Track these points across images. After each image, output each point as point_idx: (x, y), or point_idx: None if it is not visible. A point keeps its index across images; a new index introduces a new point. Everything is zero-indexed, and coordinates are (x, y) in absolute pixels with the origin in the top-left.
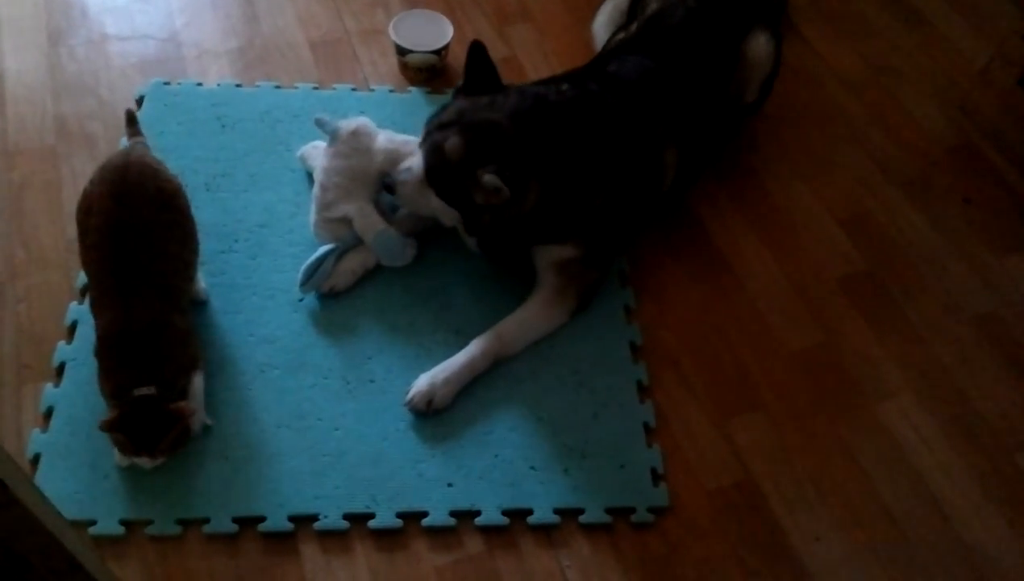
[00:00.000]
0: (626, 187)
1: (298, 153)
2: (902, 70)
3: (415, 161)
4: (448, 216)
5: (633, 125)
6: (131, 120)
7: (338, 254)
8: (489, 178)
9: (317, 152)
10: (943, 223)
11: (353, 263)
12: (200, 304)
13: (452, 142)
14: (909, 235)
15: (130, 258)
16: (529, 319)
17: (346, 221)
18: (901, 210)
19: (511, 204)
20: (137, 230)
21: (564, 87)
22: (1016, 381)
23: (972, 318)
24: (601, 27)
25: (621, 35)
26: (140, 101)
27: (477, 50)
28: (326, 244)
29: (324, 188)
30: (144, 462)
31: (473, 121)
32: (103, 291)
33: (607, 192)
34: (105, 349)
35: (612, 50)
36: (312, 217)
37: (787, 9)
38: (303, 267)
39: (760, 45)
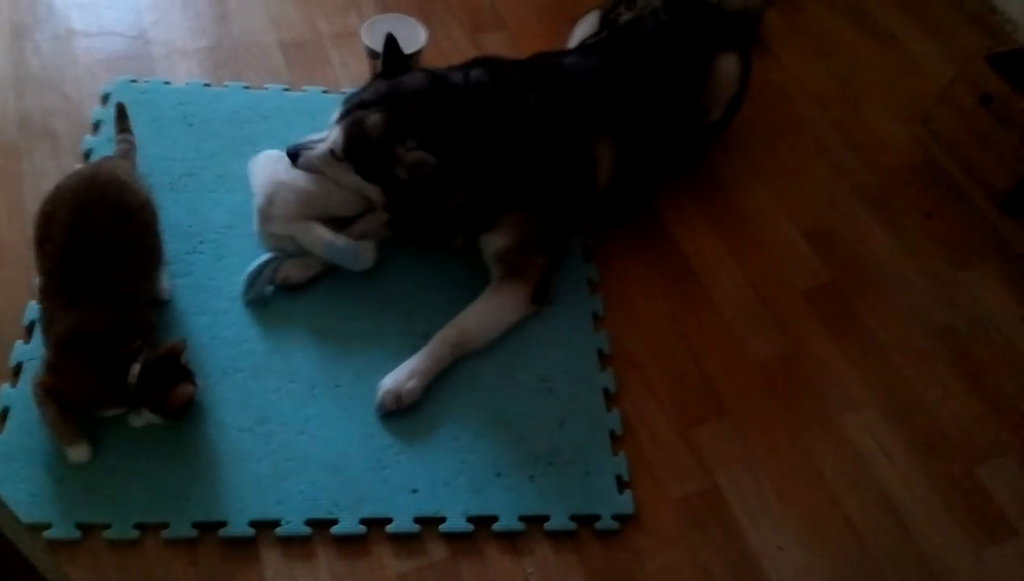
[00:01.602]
0: (544, 175)
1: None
2: (868, 87)
3: (330, 135)
4: (360, 196)
5: (553, 114)
6: (121, 114)
7: (278, 263)
8: (411, 153)
9: (268, 160)
10: (905, 237)
11: (310, 258)
12: (163, 304)
13: (374, 119)
14: (872, 248)
15: (85, 271)
16: (485, 309)
17: (290, 238)
18: (865, 223)
19: (429, 179)
20: (95, 244)
21: (476, 72)
22: (974, 394)
23: (932, 331)
24: (575, 44)
25: (591, 40)
26: (105, 98)
27: (390, 42)
28: (269, 253)
29: (269, 201)
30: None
31: (393, 99)
32: (56, 302)
33: (521, 178)
34: (62, 355)
35: (577, 48)
36: (255, 226)
37: (759, 27)
38: (244, 276)
39: (729, 65)
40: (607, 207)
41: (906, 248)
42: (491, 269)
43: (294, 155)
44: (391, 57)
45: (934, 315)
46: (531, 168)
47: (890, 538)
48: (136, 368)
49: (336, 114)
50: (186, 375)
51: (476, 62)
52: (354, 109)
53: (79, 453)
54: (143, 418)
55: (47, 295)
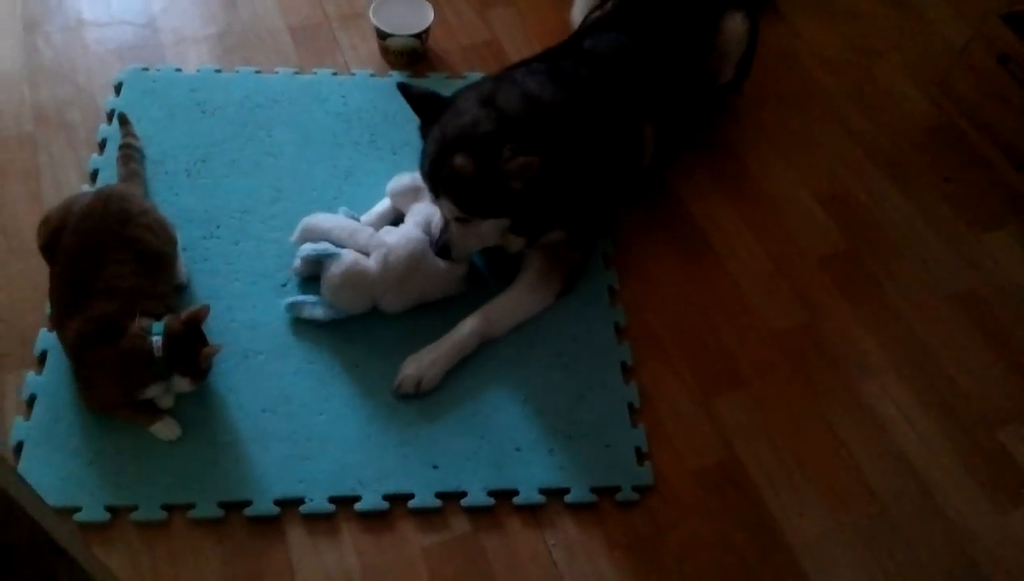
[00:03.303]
0: (608, 163)
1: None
2: (882, 50)
3: (436, 213)
4: (498, 232)
5: (610, 99)
6: (123, 121)
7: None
8: (515, 159)
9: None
10: (923, 201)
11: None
12: (181, 289)
13: (459, 161)
14: (889, 214)
15: (90, 273)
16: (516, 300)
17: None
18: (881, 189)
19: (541, 177)
20: (99, 247)
21: (533, 66)
22: (995, 358)
23: (952, 296)
24: (578, 10)
25: (597, 14)
26: (118, 88)
27: (403, 89)
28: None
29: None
30: (183, 386)
31: (459, 134)
32: (63, 309)
33: (591, 169)
34: (79, 362)
35: (587, 27)
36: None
37: None
38: (305, 254)
39: (736, 24)
40: (643, 186)
41: (924, 213)
42: (529, 259)
43: (443, 251)
44: (416, 102)
45: (954, 280)
46: (598, 156)
47: (912, 503)
48: (158, 339)
49: (429, 193)
50: (204, 339)
51: (524, 61)
52: (434, 172)
53: (165, 431)
54: (174, 388)
55: (55, 301)
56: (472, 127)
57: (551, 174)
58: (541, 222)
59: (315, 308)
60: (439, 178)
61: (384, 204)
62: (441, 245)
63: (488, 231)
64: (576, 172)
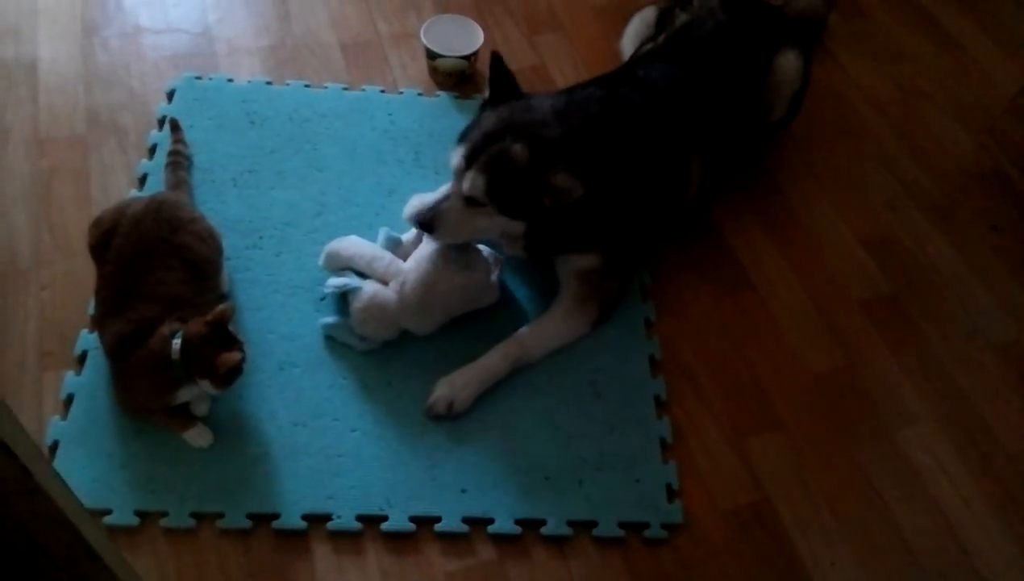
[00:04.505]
0: (654, 191)
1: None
2: (932, 93)
3: (450, 189)
4: (496, 232)
5: (662, 130)
6: (174, 127)
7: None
8: (562, 177)
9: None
10: (969, 249)
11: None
12: (224, 298)
13: (517, 149)
14: (934, 260)
15: (137, 275)
16: (551, 327)
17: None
18: (927, 234)
19: (573, 203)
20: (148, 251)
21: (592, 89)
22: None
23: (995, 346)
24: (629, 40)
25: (649, 46)
26: (171, 95)
27: (497, 62)
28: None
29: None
30: (207, 388)
31: (526, 126)
32: (107, 308)
33: (637, 196)
34: (115, 363)
35: (640, 57)
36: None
37: (823, 33)
38: (326, 323)
39: (789, 62)
40: (686, 219)
41: (969, 260)
42: (566, 285)
43: (429, 224)
44: (499, 79)
45: (997, 330)
46: (645, 183)
47: (946, 557)
48: (177, 343)
49: (457, 159)
50: (233, 342)
51: (578, 85)
52: (480, 146)
53: (198, 438)
54: (201, 393)
55: (100, 301)
56: (541, 126)
57: (582, 205)
58: (555, 243)
59: (350, 336)
60: (483, 152)
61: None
62: (431, 217)
63: (487, 226)
64: (610, 205)
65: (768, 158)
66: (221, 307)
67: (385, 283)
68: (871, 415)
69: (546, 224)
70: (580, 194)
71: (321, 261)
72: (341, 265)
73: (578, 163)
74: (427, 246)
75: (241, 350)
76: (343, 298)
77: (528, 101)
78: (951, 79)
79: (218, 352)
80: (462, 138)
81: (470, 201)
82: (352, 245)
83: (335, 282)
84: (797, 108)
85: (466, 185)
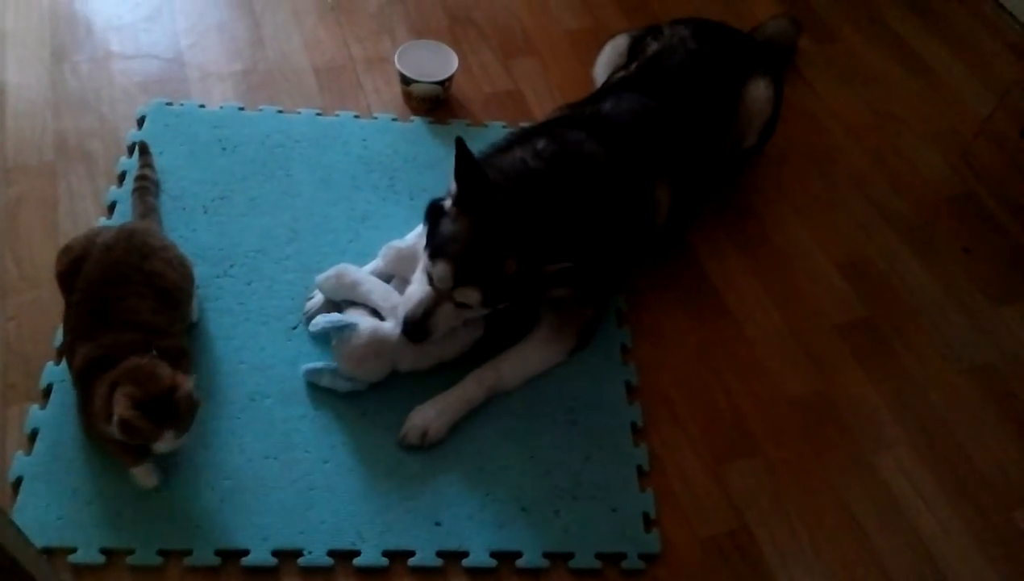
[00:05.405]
0: (617, 226)
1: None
2: (905, 117)
3: (433, 295)
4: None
5: (621, 165)
6: (144, 151)
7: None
8: (553, 266)
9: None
10: (942, 271)
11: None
12: (192, 326)
13: (510, 264)
14: (907, 282)
15: (107, 302)
16: (527, 355)
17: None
18: (901, 257)
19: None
20: (119, 278)
21: (541, 145)
22: (1013, 435)
23: (969, 369)
24: (601, 68)
25: (621, 73)
26: (141, 121)
27: (463, 151)
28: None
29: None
30: (169, 441)
31: (509, 234)
32: (76, 334)
33: (598, 233)
34: (82, 386)
35: (611, 86)
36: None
37: (794, 56)
38: (319, 328)
39: (760, 91)
40: (658, 245)
41: (943, 283)
42: (543, 314)
43: (419, 332)
44: (467, 174)
45: (972, 353)
46: (608, 224)
47: None
48: (114, 420)
49: (444, 273)
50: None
51: (526, 133)
52: (467, 262)
53: (144, 477)
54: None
55: (69, 328)
56: (522, 229)
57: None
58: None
59: (335, 379)
60: (472, 268)
61: (376, 265)
62: (424, 326)
63: (474, 314)
64: (579, 247)
65: (743, 181)
66: (174, 383)
67: (382, 318)
68: (848, 439)
69: (508, 290)
70: (568, 265)
71: (319, 282)
72: (344, 294)
73: (560, 246)
74: (422, 276)
75: (188, 395)
76: (325, 335)
77: (497, 199)
78: (924, 102)
79: (154, 428)
80: (442, 251)
81: (461, 305)
82: (366, 278)
83: (327, 320)
84: (768, 135)
85: (460, 298)
